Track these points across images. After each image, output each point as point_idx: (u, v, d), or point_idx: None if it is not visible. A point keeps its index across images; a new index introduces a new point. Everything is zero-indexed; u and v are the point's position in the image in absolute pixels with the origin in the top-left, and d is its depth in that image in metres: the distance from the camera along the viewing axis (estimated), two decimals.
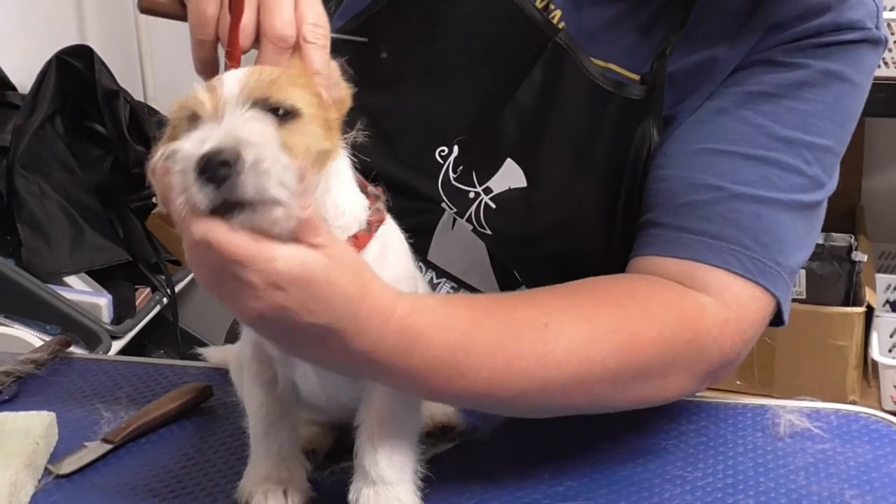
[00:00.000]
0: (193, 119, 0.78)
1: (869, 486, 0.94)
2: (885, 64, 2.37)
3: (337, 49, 0.88)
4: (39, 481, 0.98)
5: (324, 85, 0.84)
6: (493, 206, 1.12)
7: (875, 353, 2.37)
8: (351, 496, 0.88)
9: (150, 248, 2.54)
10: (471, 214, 1.13)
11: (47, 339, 1.77)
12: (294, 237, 0.75)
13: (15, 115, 2.40)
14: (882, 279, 2.66)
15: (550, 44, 1.09)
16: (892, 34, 2.03)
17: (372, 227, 0.86)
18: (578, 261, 1.08)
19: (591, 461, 0.99)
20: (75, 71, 2.47)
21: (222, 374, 1.16)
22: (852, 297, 2.45)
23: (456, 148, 1.13)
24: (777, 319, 1.02)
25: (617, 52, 1.08)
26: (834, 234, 2.41)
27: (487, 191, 1.12)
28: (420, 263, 0.87)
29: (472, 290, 1.16)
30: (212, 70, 0.88)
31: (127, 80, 2.74)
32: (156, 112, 2.69)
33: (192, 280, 2.70)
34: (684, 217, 1.00)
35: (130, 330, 2.34)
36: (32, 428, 1.01)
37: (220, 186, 0.73)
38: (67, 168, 2.47)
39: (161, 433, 1.07)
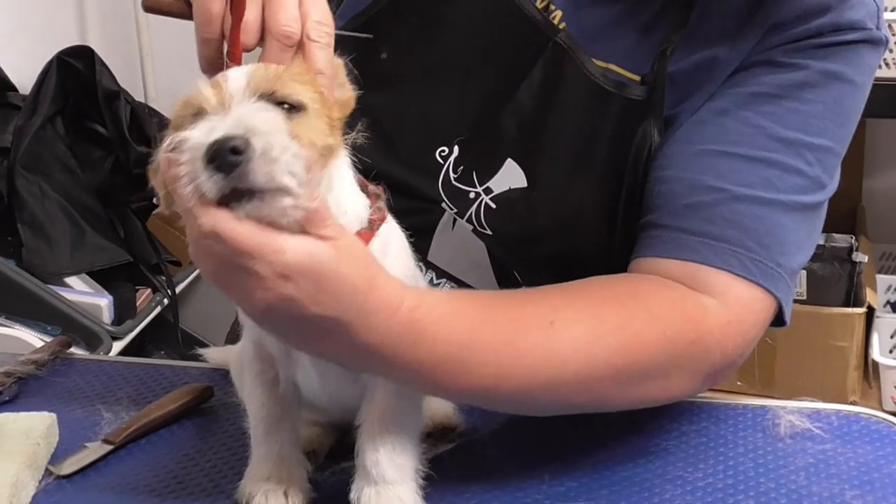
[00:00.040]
0: (198, 114, 0.78)
1: (870, 487, 0.94)
2: (886, 64, 2.37)
3: (339, 47, 0.88)
4: (40, 482, 0.98)
5: (327, 84, 0.84)
6: (493, 206, 1.12)
7: (876, 353, 2.37)
8: (353, 495, 0.88)
9: (151, 249, 2.54)
10: (471, 214, 1.13)
11: (48, 339, 1.77)
12: (302, 228, 0.75)
13: (16, 116, 2.40)
14: (883, 280, 2.66)
15: (551, 44, 1.09)
16: (893, 34, 2.03)
17: (373, 225, 0.86)
18: (579, 261, 1.08)
19: (592, 461, 0.99)
20: (76, 72, 2.47)
21: (223, 374, 1.16)
22: (853, 298, 2.45)
23: (456, 148, 1.13)
24: (779, 320, 1.02)
25: (617, 52, 1.08)
26: (835, 235, 2.41)
27: (488, 191, 1.12)
28: (420, 264, 0.87)
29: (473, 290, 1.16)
30: (217, 68, 0.88)
31: (128, 80, 2.75)
32: (156, 113, 2.69)
33: (193, 281, 2.71)
34: (686, 218, 1.00)
35: (131, 331, 2.34)
36: (33, 428, 1.01)
37: (229, 174, 0.73)
38: (68, 169, 2.47)
39: (162, 434, 1.07)
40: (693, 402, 1.08)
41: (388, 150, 1.14)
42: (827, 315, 2.36)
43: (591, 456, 0.99)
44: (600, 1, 1.10)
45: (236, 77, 0.79)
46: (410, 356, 0.83)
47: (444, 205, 1.14)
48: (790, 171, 1.01)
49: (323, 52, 0.85)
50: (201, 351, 1.25)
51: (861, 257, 2.45)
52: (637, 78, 1.07)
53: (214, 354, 1.23)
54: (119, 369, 1.23)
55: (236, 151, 0.72)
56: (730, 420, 1.06)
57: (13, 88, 2.47)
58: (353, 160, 0.87)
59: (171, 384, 1.17)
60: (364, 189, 0.88)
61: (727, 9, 1.05)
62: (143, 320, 2.41)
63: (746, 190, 0.99)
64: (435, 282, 1.16)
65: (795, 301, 1.04)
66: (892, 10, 2.31)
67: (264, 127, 0.74)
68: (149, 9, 0.96)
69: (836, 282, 2.46)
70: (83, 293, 2.34)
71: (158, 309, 2.50)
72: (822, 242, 2.36)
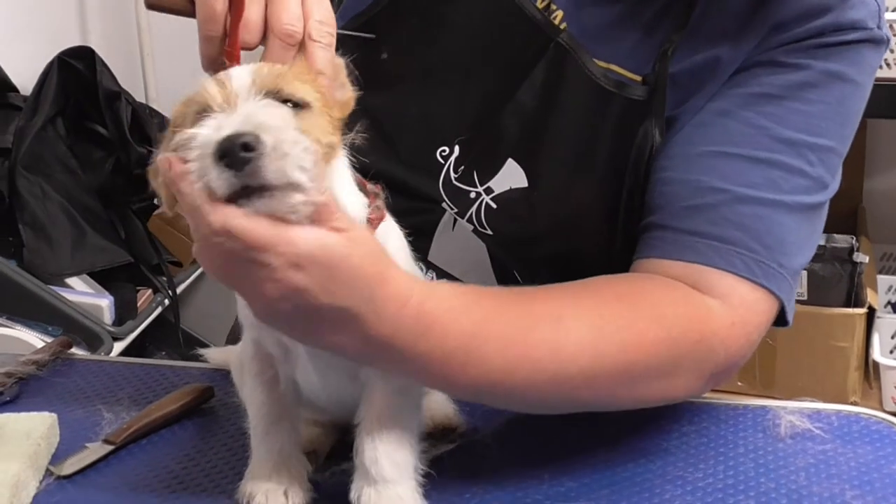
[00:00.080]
0: (202, 113, 0.78)
1: (870, 487, 0.94)
2: (887, 65, 2.37)
3: (340, 47, 0.89)
4: (41, 482, 0.98)
5: (327, 85, 0.84)
6: (493, 206, 1.12)
7: (876, 354, 2.37)
8: (352, 495, 0.88)
9: (152, 250, 2.54)
10: (472, 214, 1.13)
11: (49, 340, 1.77)
12: (313, 221, 0.75)
13: (17, 117, 2.40)
14: (883, 280, 2.66)
15: (552, 44, 1.09)
16: (894, 34, 2.03)
17: (372, 224, 0.86)
18: (579, 261, 1.08)
19: (592, 462, 0.99)
20: (77, 72, 2.47)
21: (223, 374, 1.16)
22: (854, 299, 2.45)
23: (457, 148, 1.13)
24: (782, 320, 1.03)
25: (619, 52, 1.08)
26: (835, 236, 2.41)
27: (488, 191, 1.12)
28: (420, 264, 0.87)
29: None
30: (219, 66, 0.88)
31: (128, 81, 2.75)
32: (157, 113, 2.70)
33: (194, 281, 2.71)
34: (689, 220, 1.00)
35: (132, 331, 2.34)
36: (34, 429, 1.01)
37: (240, 171, 0.73)
38: (69, 169, 2.47)
39: (162, 434, 1.07)
40: (693, 403, 1.08)
41: (389, 150, 1.14)
42: (828, 315, 2.36)
43: (592, 456, 0.99)
44: (601, 1, 1.10)
45: (240, 75, 0.79)
46: (420, 348, 0.83)
47: (444, 205, 1.14)
48: (792, 171, 1.01)
49: (324, 53, 0.85)
50: (202, 351, 1.26)
51: (862, 258, 2.45)
52: (638, 78, 1.07)
53: (215, 355, 1.24)
54: (120, 370, 1.23)
55: (247, 148, 0.72)
56: (730, 420, 1.06)
57: (14, 89, 2.47)
58: (351, 160, 0.87)
59: (171, 384, 1.17)
60: (362, 188, 0.88)
61: (728, 9, 1.05)
62: (143, 321, 2.41)
63: (749, 191, 1.00)
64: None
65: (796, 301, 1.04)
66: (893, 10, 2.31)
67: (274, 123, 0.75)
68: (151, 6, 0.95)
69: (836, 282, 2.46)
70: (84, 294, 2.35)
71: (159, 309, 2.50)
72: (822, 243, 2.37)
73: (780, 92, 1.02)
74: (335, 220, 0.76)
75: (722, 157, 1.02)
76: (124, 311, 2.39)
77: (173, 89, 2.86)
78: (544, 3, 1.10)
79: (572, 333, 0.90)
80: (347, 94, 0.86)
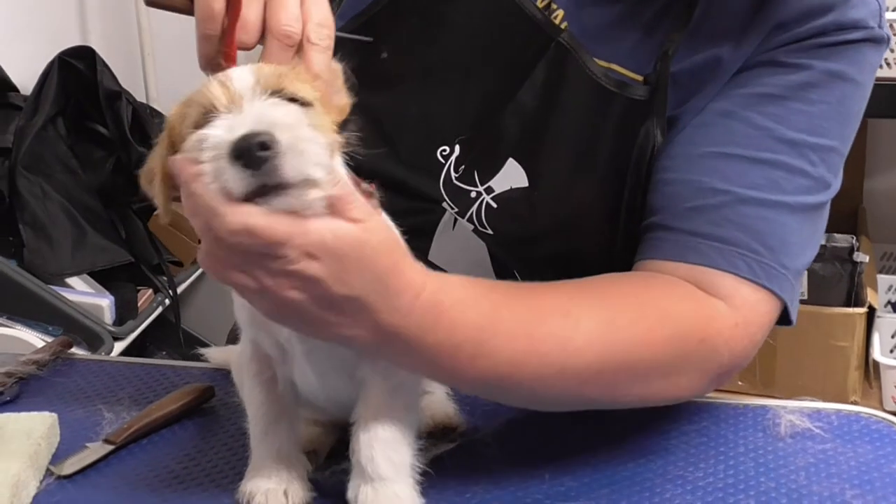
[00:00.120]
0: (208, 114, 0.78)
1: (870, 486, 0.94)
2: (888, 64, 2.37)
3: (340, 48, 0.88)
4: (41, 482, 0.98)
5: (325, 88, 0.84)
6: (494, 205, 1.12)
7: (876, 353, 2.37)
8: (349, 493, 0.88)
9: (153, 250, 2.54)
10: (472, 214, 1.13)
11: (49, 340, 1.77)
12: (329, 213, 0.76)
13: (17, 117, 2.40)
14: (883, 280, 2.66)
15: (553, 44, 1.09)
16: (894, 34, 2.03)
17: None
18: (580, 261, 1.08)
19: (593, 461, 0.99)
20: (77, 72, 2.47)
21: (224, 374, 1.16)
22: (854, 298, 2.45)
23: (457, 147, 1.13)
24: (786, 319, 1.03)
25: (620, 52, 1.08)
26: (836, 235, 2.41)
27: (489, 190, 1.12)
28: (420, 264, 0.88)
29: None
30: (216, 66, 0.88)
31: (129, 81, 2.75)
32: (158, 113, 2.70)
33: (195, 281, 2.71)
34: (693, 221, 1.00)
35: (132, 331, 2.34)
36: (34, 429, 1.01)
37: (258, 170, 0.73)
38: (69, 169, 2.47)
39: (163, 434, 1.07)
40: (693, 402, 1.08)
41: (389, 150, 1.14)
42: (828, 315, 2.36)
43: (592, 455, 0.99)
44: (602, 0, 1.10)
45: (241, 76, 0.79)
46: (430, 339, 0.83)
47: (444, 204, 1.14)
48: (795, 172, 1.01)
49: (322, 56, 0.86)
50: (202, 351, 1.26)
51: (862, 257, 2.45)
52: (639, 78, 1.07)
53: (216, 354, 1.24)
54: (120, 369, 1.23)
55: (264, 147, 0.73)
56: (730, 419, 1.06)
57: (14, 89, 2.47)
58: (345, 159, 0.87)
59: (172, 384, 1.17)
60: (357, 187, 0.88)
61: (729, 8, 1.05)
62: (144, 321, 2.41)
63: (752, 192, 1.00)
64: None
65: None
66: (893, 10, 2.31)
67: (287, 121, 0.75)
68: (151, 3, 0.96)
69: (837, 282, 2.46)
70: (84, 293, 2.35)
71: (160, 309, 2.50)
72: (823, 242, 2.36)
73: (782, 92, 1.02)
74: (352, 210, 0.77)
75: (724, 158, 1.02)
76: (125, 311, 2.39)
77: (174, 89, 2.86)
78: (545, 3, 1.10)
79: (580, 329, 0.90)
80: (343, 99, 0.86)
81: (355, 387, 0.89)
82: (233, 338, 1.33)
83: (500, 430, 1.04)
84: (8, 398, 1.14)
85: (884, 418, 1.06)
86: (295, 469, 0.92)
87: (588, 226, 1.11)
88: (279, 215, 0.74)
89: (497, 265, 1.15)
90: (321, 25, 0.86)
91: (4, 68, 2.42)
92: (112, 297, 2.37)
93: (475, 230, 1.13)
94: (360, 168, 0.87)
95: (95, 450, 1.02)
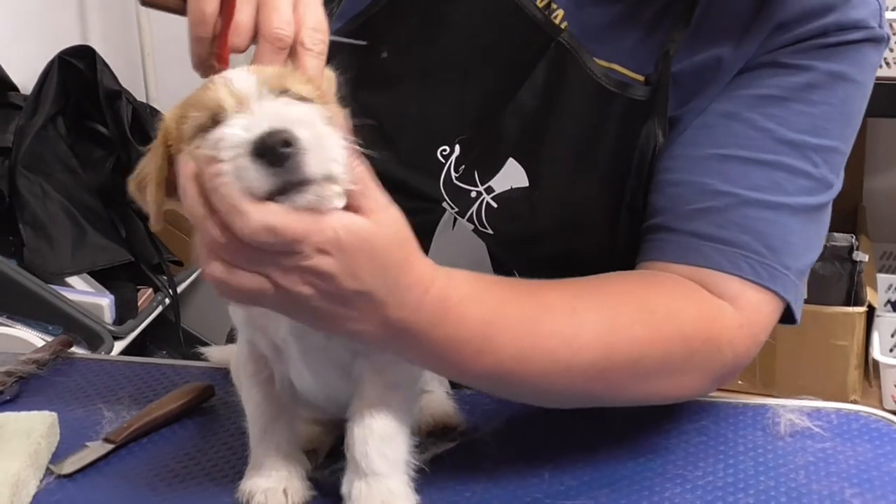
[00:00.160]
0: (215, 116, 0.78)
1: (869, 485, 0.94)
2: (887, 64, 2.37)
3: (339, 50, 0.89)
4: (41, 481, 0.98)
5: (322, 91, 0.85)
6: (494, 205, 1.12)
7: (876, 352, 2.37)
8: (343, 488, 0.88)
9: (153, 249, 2.54)
10: (472, 214, 1.13)
11: (49, 339, 1.77)
12: (345, 207, 0.76)
13: (17, 116, 2.40)
14: (883, 279, 2.66)
15: (553, 44, 1.09)
16: (893, 33, 2.03)
17: None
18: (580, 261, 1.08)
19: (592, 460, 0.99)
20: (77, 71, 2.47)
21: (224, 373, 1.16)
22: (853, 297, 2.46)
23: (458, 147, 1.13)
24: (789, 318, 1.03)
25: (620, 52, 1.08)
26: (835, 234, 2.42)
27: (489, 190, 1.12)
28: (429, 259, 0.88)
29: None
30: (209, 67, 0.89)
31: (129, 80, 2.75)
32: (158, 112, 2.70)
33: (195, 281, 2.71)
34: (695, 223, 1.01)
35: (132, 330, 2.34)
36: (34, 428, 1.01)
37: (281, 167, 0.73)
38: (69, 169, 2.47)
39: (163, 433, 1.07)
40: (693, 401, 1.08)
41: (389, 150, 1.14)
42: (828, 314, 2.37)
43: (592, 454, 0.99)
44: (602, 0, 1.10)
45: (242, 77, 0.79)
46: (437, 334, 0.84)
47: (444, 204, 1.14)
48: (797, 173, 1.01)
49: (315, 62, 0.86)
50: (203, 350, 1.26)
51: (862, 256, 2.45)
52: (640, 78, 1.07)
53: (216, 353, 1.24)
54: (120, 368, 1.24)
55: (287, 144, 0.73)
56: (730, 418, 1.06)
57: (14, 88, 2.47)
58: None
59: (172, 383, 1.17)
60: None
61: (730, 8, 1.05)
62: (144, 320, 2.41)
63: (755, 194, 1.00)
64: None
65: None
66: (892, 10, 2.31)
67: (305, 118, 0.75)
68: (146, 3, 0.96)
69: (836, 281, 2.47)
70: (84, 293, 2.35)
71: (160, 308, 2.50)
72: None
73: (784, 94, 1.03)
74: (367, 200, 0.77)
75: (727, 160, 1.02)
76: (125, 311, 2.39)
77: (174, 89, 2.87)
78: (544, 3, 1.10)
79: (586, 325, 0.91)
80: (335, 110, 0.86)
81: (351, 384, 0.89)
82: (232, 337, 1.33)
83: (499, 429, 1.04)
84: (8, 397, 1.14)
85: (883, 417, 1.06)
86: (294, 468, 0.92)
87: (588, 226, 1.11)
88: (297, 212, 0.74)
89: (497, 265, 1.15)
90: (315, 30, 0.86)
91: (4, 68, 2.42)
92: (112, 297, 2.37)
93: (475, 230, 1.13)
94: None
95: (95, 449, 1.03)
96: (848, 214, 2.80)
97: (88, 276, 2.41)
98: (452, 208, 1.13)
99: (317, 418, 1.01)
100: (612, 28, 1.09)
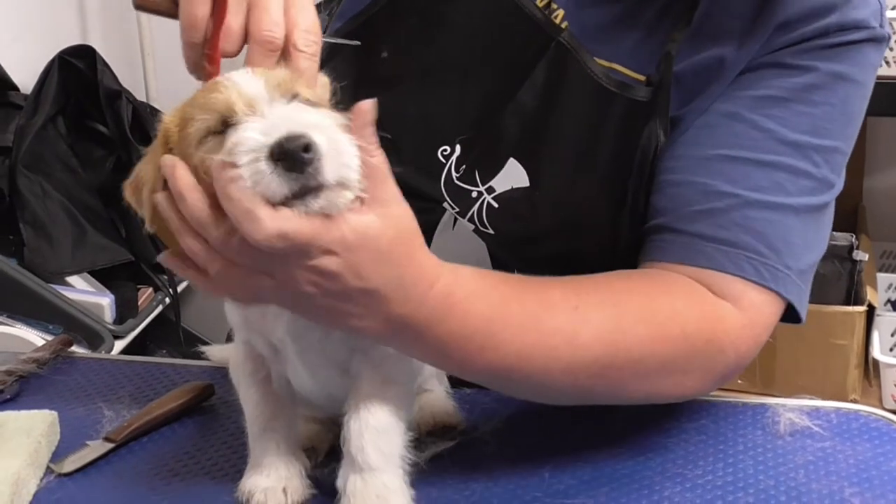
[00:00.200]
0: (224, 120, 0.78)
1: (868, 484, 0.94)
2: (887, 63, 2.37)
3: (338, 51, 0.89)
4: (42, 480, 0.98)
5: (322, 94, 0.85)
6: (495, 205, 1.12)
7: (876, 352, 2.37)
8: (339, 482, 0.88)
9: (153, 248, 2.54)
10: (473, 214, 1.13)
11: (49, 338, 1.77)
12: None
13: (17, 116, 2.40)
14: (883, 278, 2.66)
15: (553, 44, 1.09)
16: (894, 32, 2.03)
17: None
18: (581, 261, 1.09)
19: (592, 459, 0.99)
20: (77, 71, 2.47)
21: (224, 372, 1.15)
22: (853, 297, 2.45)
23: (458, 147, 1.13)
24: (793, 317, 1.04)
25: (621, 52, 1.08)
26: (835, 234, 2.41)
27: (490, 190, 1.12)
28: (433, 255, 0.89)
29: None
30: (203, 70, 0.89)
31: (129, 80, 2.75)
32: (158, 112, 2.69)
33: None
34: (699, 224, 1.01)
35: (133, 330, 2.34)
36: (35, 427, 1.01)
37: (301, 172, 0.73)
38: (70, 168, 2.47)
39: (163, 432, 1.08)
40: (693, 400, 1.08)
41: (389, 150, 1.14)
42: (828, 313, 2.36)
43: (591, 453, 1.00)
44: (602, 0, 1.10)
45: (249, 81, 0.79)
46: (440, 330, 0.85)
47: (445, 204, 1.14)
48: (799, 174, 1.02)
49: (308, 64, 0.86)
50: (203, 348, 1.26)
51: (861, 256, 2.45)
52: (642, 78, 1.07)
53: (216, 352, 1.24)
54: (120, 368, 1.24)
55: (307, 149, 0.73)
56: (729, 418, 1.07)
57: (14, 88, 2.47)
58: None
59: (172, 382, 1.18)
60: None
61: (731, 8, 1.05)
62: (144, 319, 2.41)
63: (758, 195, 1.00)
64: None
65: None
66: (892, 9, 2.31)
67: (321, 124, 0.75)
68: (139, 7, 0.96)
69: (836, 280, 2.46)
70: (85, 292, 2.35)
71: (160, 308, 2.50)
72: None
73: (787, 94, 1.03)
74: (376, 194, 0.78)
75: (729, 161, 1.02)
76: (125, 310, 2.39)
77: (174, 88, 2.86)
78: (545, 3, 1.10)
79: (589, 322, 0.91)
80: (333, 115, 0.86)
81: (348, 382, 0.90)
82: (232, 336, 1.33)
83: (499, 428, 1.05)
84: (8, 396, 1.14)
85: (883, 416, 1.06)
86: (294, 466, 0.92)
87: (589, 226, 1.11)
88: (307, 217, 0.75)
89: (497, 265, 1.15)
90: (308, 31, 0.87)
91: (4, 67, 2.42)
92: (112, 296, 2.37)
93: (476, 230, 1.13)
94: None
95: (96, 448, 1.03)
96: (848, 214, 2.79)
97: (88, 276, 2.41)
98: (453, 208, 1.13)
99: (315, 417, 1.01)
100: (613, 28, 1.09)
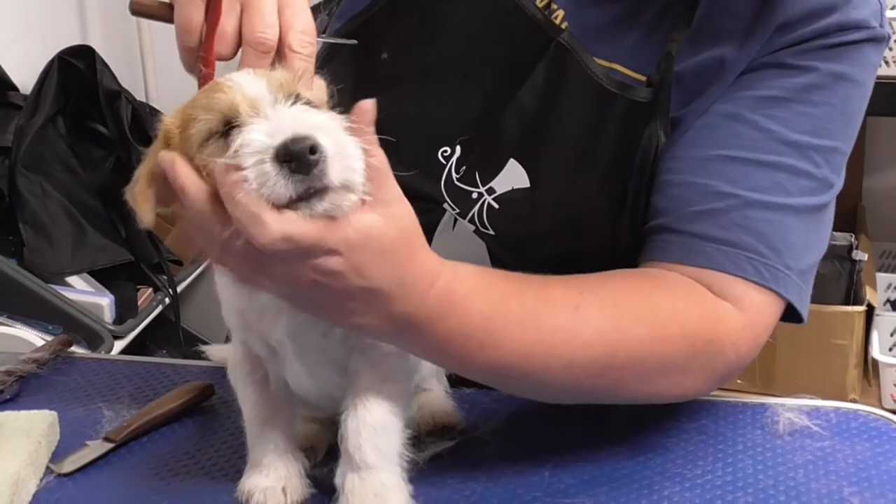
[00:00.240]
0: (228, 121, 0.77)
1: (868, 484, 0.94)
2: (886, 63, 2.37)
3: (338, 52, 0.89)
4: (41, 480, 0.98)
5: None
6: (496, 206, 1.12)
7: (875, 351, 2.37)
8: (336, 479, 0.88)
9: (153, 249, 2.54)
10: (473, 215, 1.13)
11: (49, 338, 1.77)
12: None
13: (17, 116, 2.41)
14: (882, 278, 2.66)
15: (553, 44, 1.09)
16: (893, 32, 2.03)
17: None
18: (581, 262, 1.09)
19: (592, 459, 0.99)
20: (77, 71, 2.47)
21: (224, 372, 1.15)
22: (853, 296, 2.46)
23: (458, 148, 1.13)
24: (794, 316, 1.04)
25: (621, 52, 1.08)
26: (835, 234, 2.42)
27: (490, 191, 1.12)
28: (434, 253, 0.89)
29: None
30: (199, 72, 0.89)
31: (129, 80, 2.75)
32: (158, 112, 2.69)
33: (195, 280, 2.71)
34: (700, 224, 1.01)
35: (132, 330, 2.34)
36: (34, 427, 1.01)
37: (307, 174, 0.73)
38: (69, 168, 2.47)
39: (162, 432, 1.08)
40: (693, 400, 1.08)
41: (389, 151, 1.14)
42: (827, 313, 2.37)
43: (591, 453, 1.00)
44: (602, 1, 1.09)
45: (250, 82, 0.79)
46: (441, 327, 0.85)
47: (445, 205, 1.14)
48: (799, 174, 1.02)
49: (304, 64, 0.86)
50: (204, 348, 1.26)
51: (861, 255, 2.45)
52: (642, 78, 1.07)
53: (217, 351, 1.24)
54: (120, 368, 1.24)
55: (313, 151, 0.73)
56: (729, 417, 1.07)
57: (14, 88, 2.47)
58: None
59: (172, 382, 1.18)
60: None
61: (732, 9, 1.05)
62: (144, 319, 2.41)
63: (758, 195, 1.00)
64: None
65: None
66: (892, 9, 2.31)
67: (326, 126, 0.75)
68: (135, 12, 0.96)
69: (836, 280, 2.47)
70: (84, 292, 2.35)
71: (160, 308, 2.50)
72: None
73: (787, 95, 1.03)
74: (379, 193, 0.78)
75: (730, 162, 1.02)
76: (125, 310, 2.39)
77: (174, 88, 2.87)
78: (544, 3, 1.10)
79: (590, 321, 0.91)
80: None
81: (347, 381, 0.90)
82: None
83: (499, 427, 1.05)
84: (8, 396, 1.14)
85: (882, 416, 1.06)
86: (293, 466, 0.92)
87: (589, 226, 1.11)
88: (312, 219, 0.75)
89: (497, 265, 1.15)
90: (303, 33, 0.87)
91: (4, 67, 2.42)
92: (112, 296, 2.37)
93: (476, 231, 1.13)
94: None
95: (95, 448, 1.03)
96: (847, 213, 2.80)
97: (88, 276, 2.41)
98: (454, 209, 1.13)
99: (314, 416, 1.01)
100: (613, 28, 1.09)
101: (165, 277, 2.53)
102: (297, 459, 0.93)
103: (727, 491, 0.94)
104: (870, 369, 2.43)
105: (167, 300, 2.51)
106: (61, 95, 2.46)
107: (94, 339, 2.20)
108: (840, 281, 2.47)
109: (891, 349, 2.53)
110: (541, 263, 1.12)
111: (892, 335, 2.56)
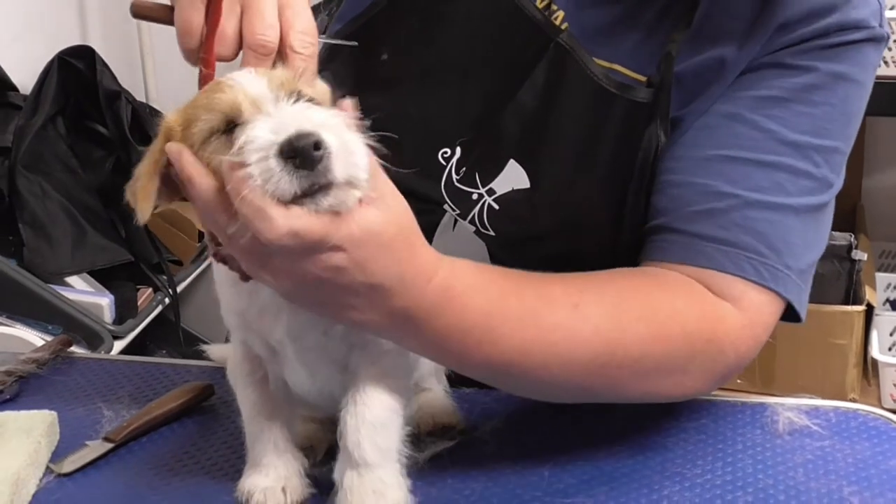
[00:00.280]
0: (230, 119, 0.78)
1: (867, 483, 0.94)
2: (886, 63, 2.37)
3: (338, 53, 0.89)
4: (41, 480, 0.98)
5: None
6: (496, 207, 1.12)
7: (875, 351, 2.37)
8: (335, 475, 0.88)
9: (152, 249, 2.54)
10: (474, 216, 1.13)
11: (49, 339, 1.77)
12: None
13: (17, 116, 2.41)
14: (882, 278, 2.67)
15: (553, 44, 1.09)
16: (893, 32, 2.03)
17: None
18: (581, 262, 1.09)
19: (591, 458, 0.99)
20: (77, 71, 2.48)
21: (223, 372, 1.15)
22: (852, 296, 2.46)
23: (458, 149, 1.13)
24: (793, 315, 1.04)
25: (621, 52, 1.08)
26: (834, 233, 2.41)
27: (490, 192, 1.12)
28: (432, 248, 0.89)
29: None
30: (199, 73, 0.89)
31: (129, 80, 2.75)
32: (158, 113, 2.70)
33: (194, 280, 2.71)
34: (700, 224, 1.01)
35: (132, 330, 2.34)
36: (34, 427, 1.01)
37: (312, 170, 0.73)
38: (69, 168, 2.47)
39: (162, 432, 1.08)
40: (692, 399, 1.08)
41: (389, 152, 1.14)
42: (827, 313, 2.37)
43: (591, 453, 1.00)
44: (602, 1, 1.10)
45: (251, 81, 0.79)
46: (439, 323, 0.85)
47: (445, 206, 1.14)
48: (799, 174, 1.02)
49: (305, 65, 0.86)
50: (204, 347, 1.26)
51: (860, 255, 2.45)
52: (643, 79, 1.07)
53: (217, 351, 1.24)
54: (120, 368, 1.24)
55: (318, 147, 0.73)
56: (728, 417, 1.07)
57: (14, 88, 2.47)
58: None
59: (171, 382, 1.18)
60: None
61: (732, 9, 1.05)
62: (144, 319, 2.41)
63: (758, 195, 1.01)
64: None
65: None
66: (892, 9, 2.32)
67: (330, 122, 0.75)
68: (136, 14, 0.97)
69: (835, 280, 2.47)
70: (84, 292, 2.35)
71: (159, 308, 2.50)
72: None
73: (786, 95, 1.03)
74: (375, 189, 0.78)
75: (729, 162, 1.02)
76: (125, 310, 2.39)
77: (174, 88, 2.87)
78: (544, 3, 1.10)
79: (589, 320, 0.91)
80: None
81: (347, 379, 0.90)
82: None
83: (498, 427, 1.05)
84: (8, 396, 1.14)
85: (881, 415, 1.06)
86: (292, 465, 0.92)
87: (589, 226, 1.11)
88: (317, 215, 0.75)
89: (497, 265, 1.15)
90: (304, 33, 0.87)
91: (4, 68, 2.42)
92: (112, 296, 2.37)
93: (476, 231, 1.13)
94: None
95: (95, 448, 1.03)
96: (847, 213, 2.80)
97: (88, 276, 2.41)
98: (454, 210, 1.13)
99: (314, 416, 1.01)
100: (613, 29, 1.09)
101: (165, 277, 2.54)
102: (296, 459, 0.93)
103: (727, 490, 0.94)
104: (869, 369, 2.43)
105: (167, 300, 2.51)
106: (61, 96, 2.47)
107: (93, 339, 2.20)
108: (839, 281, 2.47)
109: (890, 349, 2.53)
110: (541, 264, 1.12)
111: (891, 335, 2.56)
